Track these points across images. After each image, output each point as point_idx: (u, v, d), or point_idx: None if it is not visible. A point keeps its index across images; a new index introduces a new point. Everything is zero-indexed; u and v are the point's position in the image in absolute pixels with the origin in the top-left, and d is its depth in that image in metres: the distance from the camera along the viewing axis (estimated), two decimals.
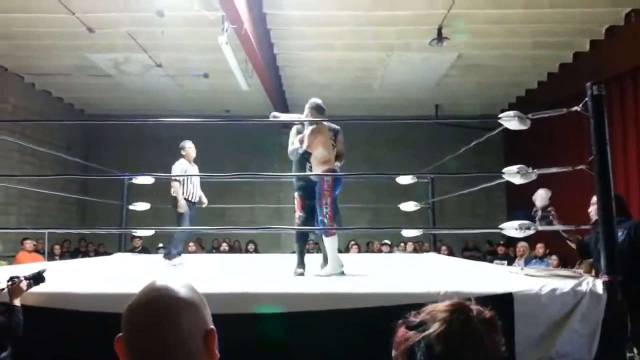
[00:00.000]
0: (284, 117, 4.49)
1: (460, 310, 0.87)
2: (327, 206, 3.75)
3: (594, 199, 3.45)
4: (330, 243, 3.80)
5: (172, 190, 5.28)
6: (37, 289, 2.65)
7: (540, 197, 3.49)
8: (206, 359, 0.88)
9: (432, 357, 0.84)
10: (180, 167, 5.38)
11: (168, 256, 5.20)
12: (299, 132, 4.10)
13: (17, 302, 2.48)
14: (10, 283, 2.50)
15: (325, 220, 3.73)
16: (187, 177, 5.30)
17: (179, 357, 0.85)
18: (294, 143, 4.08)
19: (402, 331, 0.90)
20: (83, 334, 2.57)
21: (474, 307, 0.89)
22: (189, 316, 0.87)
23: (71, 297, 2.72)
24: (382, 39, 8.01)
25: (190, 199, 5.34)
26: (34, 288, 2.61)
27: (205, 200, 5.63)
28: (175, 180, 5.25)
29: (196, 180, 5.43)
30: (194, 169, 5.53)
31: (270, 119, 4.30)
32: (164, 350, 0.84)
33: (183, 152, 5.48)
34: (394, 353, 0.91)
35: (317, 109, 4.00)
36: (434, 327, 0.86)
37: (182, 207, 5.20)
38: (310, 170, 4.01)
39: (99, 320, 2.46)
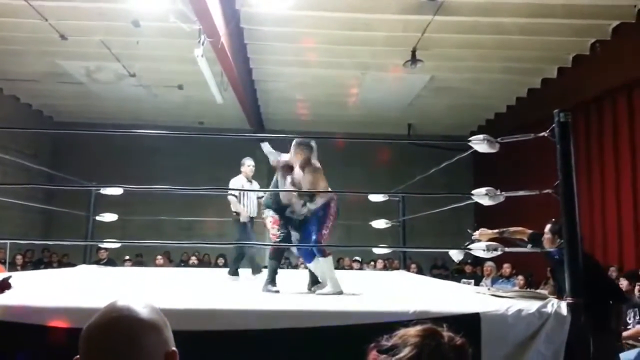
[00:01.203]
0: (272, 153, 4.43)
1: (432, 335, 0.88)
2: (327, 229, 3.80)
3: (547, 228, 3.61)
4: (327, 262, 3.78)
5: (232, 205, 5.45)
6: (2, 301, 2.58)
7: (455, 255, 3.66)
8: None
9: None
10: (238, 182, 5.48)
11: (231, 271, 5.34)
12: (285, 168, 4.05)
13: None
14: None
15: (322, 241, 3.72)
16: (243, 194, 5.38)
17: None
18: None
19: (373, 354, 0.91)
20: (46, 350, 2.49)
21: (445, 333, 0.90)
22: (151, 338, 0.85)
23: (33, 310, 2.63)
24: (357, 58, 8.13)
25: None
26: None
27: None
28: (232, 195, 5.40)
29: (252, 196, 5.47)
30: (253, 186, 5.61)
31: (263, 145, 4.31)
32: None
33: (242, 169, 5.56)
34: None
35: (310, 148, 3.97)
36: (405, 352, 0.87)
37: (244, 216, 5.37)
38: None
39: (63, 336, 2.39)
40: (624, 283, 5.48)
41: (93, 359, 0.84)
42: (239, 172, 5.60)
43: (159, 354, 0.86)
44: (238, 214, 5.42)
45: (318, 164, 4.00)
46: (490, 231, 3.84)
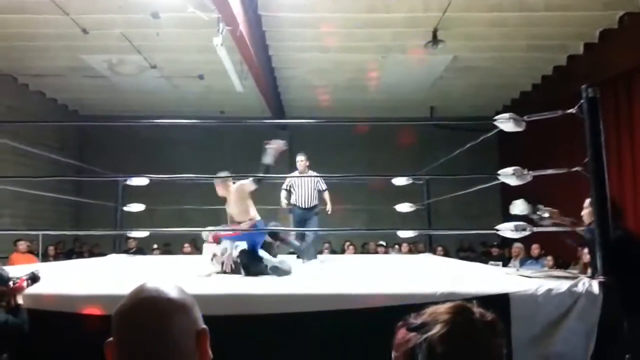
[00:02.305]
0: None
1: (463, 312, 0.87)
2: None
3: (587, 202, 3.47)
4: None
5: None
6: (33, 290, 2.65)
7: (517, 207, 3.47)
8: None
9: (434, 359, 0.84)
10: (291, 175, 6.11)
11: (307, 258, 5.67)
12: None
13: (20, 300, 2.51)
14: (11, 283, 2.52)
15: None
16: (296, 185, 6.03)
17: (172, 358, 0.84)
18: None
19: (402, 332, 0.90)
20: (78, 337, 2.55)
21: (476, 310, 0.88)
22: (181, 317, 0.86)
23: (67, 298, 2.70)
24: (377, 41, 8.03)
25: (299, 204, 6.02)
26: (29, 289, 2.62)
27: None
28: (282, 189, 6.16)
29: (305, 188, 6.04)
30: (302, 179, 6.06)
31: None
32: (157, 352, 0.83)
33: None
34: (394, 354, 0.91)
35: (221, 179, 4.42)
36: (436, 329, 0.86)
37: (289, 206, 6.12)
38: None
39: (95, 323, 2.45)
40: None
41: (125, 339, 0.85)
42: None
43: (189, 332, 0.87)
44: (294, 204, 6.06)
45: (237, 187, 4.30)
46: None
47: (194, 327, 0.88)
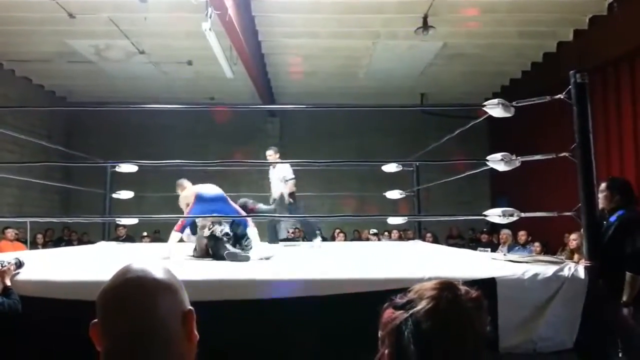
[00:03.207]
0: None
1: (448, 288, 0.88)
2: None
3: (603, 185, 3.48)
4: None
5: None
6: (22, 276, 2.70)
7: None
8: (185, 341, 0.86)
9: (420, 334, 0.84)
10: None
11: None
12: None
13: (7, 282, 2.59)
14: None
15: None
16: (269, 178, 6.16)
17: (157, 339, 0.83)
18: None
19: (388, 312, 0.90)
20: (66, 323, 2.55)
21: (462, 287, 0.89)
22: (167, 297, 0.86)
23: (55, 284, 2.70)
24: (367, 27, 7.99)
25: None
26: (17, 275, 2.70)
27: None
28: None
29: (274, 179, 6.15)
30: (272, 172, 6.22)
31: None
32: (142, 332, 0.82)
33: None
34: (380, 333, 0.91)
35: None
36: (422, 304, 0.86)
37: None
38: None
39: (81, 309, 2.44)
40: None
41: (110, 321, 0.84)
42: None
43: (175, 313, 0.86)
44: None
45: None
46: None
47: (180, 308, 0.87)
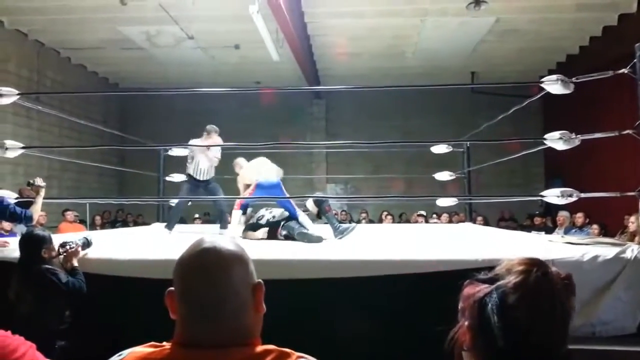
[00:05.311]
0: None
1: (539, 265, 0.86)
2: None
3: None
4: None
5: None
6: (86, 255, 2.85)
7: None
8: (253, 311, 0.90)
9: (505, 307, 0.83)
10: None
11: None
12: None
13: (75, 263, 2.73)
14: (68, 247, 2.73)
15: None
16: None
17: (232, 305, 0.87)
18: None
19: (471, 286, 0.89)
20: (127, 299, 2.69)
21: (552, 266, 0.88)
22: (239, 268, 0.89)
23: (118, 263, 2.83)
24: (415, 4, 7.80)
25: None
26: (83, 253, 2.83)
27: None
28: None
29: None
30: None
31: None
32: (219, 298, 0.86)
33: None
34: (460, 305, 0.90)
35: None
36: (510, 278, 0.85)
37: None
38: None
39: (142, 286, 2.56)
40: None
41: (187, 288, 0.88)
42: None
43: (246, 284, 0.90)
44: None
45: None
46: None
47: (250, 279, 0.91)
